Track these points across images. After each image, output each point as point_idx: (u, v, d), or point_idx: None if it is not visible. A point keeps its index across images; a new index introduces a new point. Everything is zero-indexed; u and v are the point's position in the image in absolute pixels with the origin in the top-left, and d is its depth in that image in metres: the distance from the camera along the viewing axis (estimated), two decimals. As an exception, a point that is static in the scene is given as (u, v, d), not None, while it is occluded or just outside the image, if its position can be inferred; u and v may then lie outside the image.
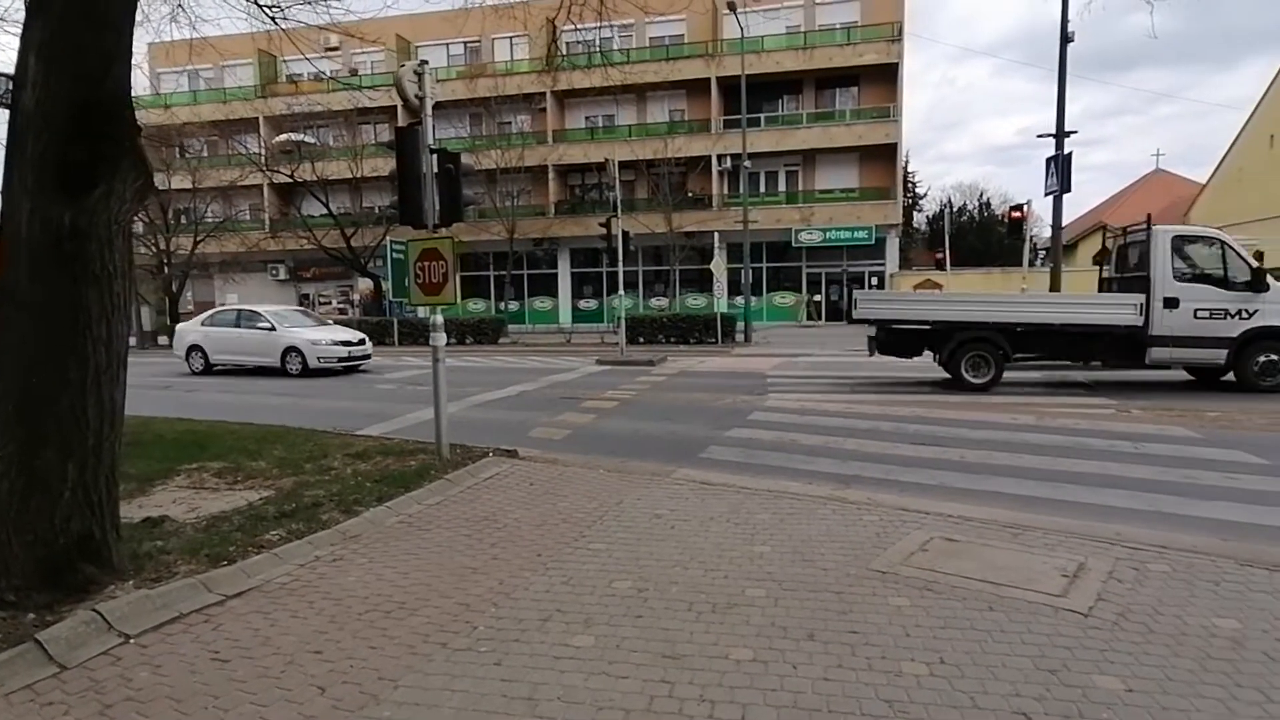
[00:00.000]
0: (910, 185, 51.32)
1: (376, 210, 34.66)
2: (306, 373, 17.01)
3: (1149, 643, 3.55)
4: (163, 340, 32.70)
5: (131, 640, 3.75)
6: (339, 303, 39.74)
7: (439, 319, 7.71)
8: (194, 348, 18.73)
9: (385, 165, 28.26)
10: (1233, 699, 3.05)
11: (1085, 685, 3.17)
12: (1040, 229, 37.74)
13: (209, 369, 18.49)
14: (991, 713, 2.98)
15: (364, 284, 36.73)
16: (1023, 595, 4.10)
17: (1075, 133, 16.90)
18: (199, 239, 32.96)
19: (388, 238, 29.58)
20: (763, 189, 34.75)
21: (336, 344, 17.51)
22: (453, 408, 10.45)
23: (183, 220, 34.25)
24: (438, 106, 7.91)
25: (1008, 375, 12.84)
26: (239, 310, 19.17)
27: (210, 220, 34.82)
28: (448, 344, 7.93)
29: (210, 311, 19.96)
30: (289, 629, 3.86)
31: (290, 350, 17.29)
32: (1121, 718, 2.93)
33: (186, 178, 33.01)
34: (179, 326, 20.51)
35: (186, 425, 9.85)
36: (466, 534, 5.36)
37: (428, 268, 7.50)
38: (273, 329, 17.51)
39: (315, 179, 32.47)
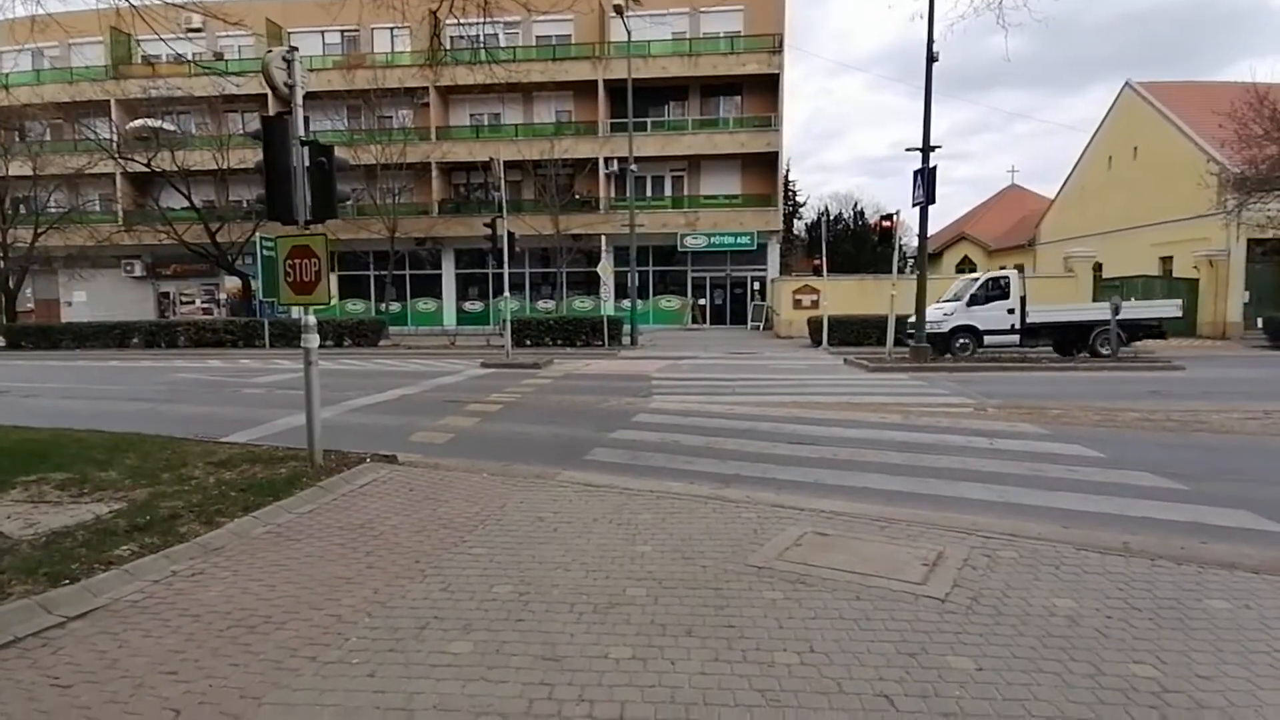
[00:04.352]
0: (790, 193, 53.10)
1: (245, 204, 32.72)
2: None
3: (997, 624, 3.82)
4: (-2, 341, 29.77)
5: (-45, 670, 3.43)
6: (203, 302, 37.37)
7: (311, 319, 7.41)
8: None
9: (254, 156, 26.85)
10: (1068, 672, 3.33)
11: (941, 667, 3.38)
12: (909, 238, 40.06)
13: None
14: (856, 696, 3.13)
15: (231, 282, 34.69)
16: (887, 584, 4.33)
17: (940, 147, 17.90)
18: (40, 230, 30.17)
19: (257, 233, 27.96)
20: (649, 193, 35.06)
21: None
22: (328, 413, 10.04)
23: (21, 210, 31.27)
24: (312, 97, 7.58)
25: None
26: None
27: (54, 210, 31.93)
28: (323, 346, 7.62)
29: None
30: (140, 650, 3.60)
31: None
32: (972, 695, 3.14)
33: (27, 164, 30.16)
34: None
35: (23, 434, 9.00)
36: (340, 543, 5.16)
37: (299, 265, 7.22)
38: None
39: (176, 169, 30.31)
